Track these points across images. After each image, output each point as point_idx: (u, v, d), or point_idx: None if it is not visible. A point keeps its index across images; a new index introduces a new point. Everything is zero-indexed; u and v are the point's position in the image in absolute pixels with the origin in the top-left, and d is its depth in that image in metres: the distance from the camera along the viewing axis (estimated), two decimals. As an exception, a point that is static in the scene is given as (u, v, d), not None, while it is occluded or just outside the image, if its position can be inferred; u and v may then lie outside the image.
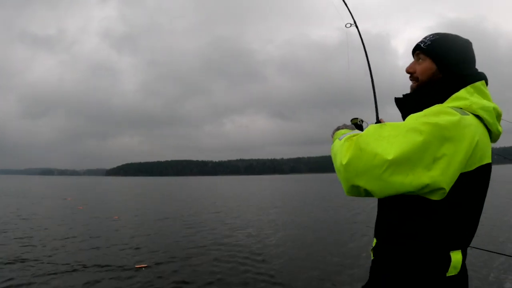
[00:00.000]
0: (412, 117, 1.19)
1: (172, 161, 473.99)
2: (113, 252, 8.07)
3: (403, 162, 1.06)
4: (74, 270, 6.49)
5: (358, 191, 1.13)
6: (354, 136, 1.23)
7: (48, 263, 6.98)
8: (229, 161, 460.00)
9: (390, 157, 1.05)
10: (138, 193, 36.40)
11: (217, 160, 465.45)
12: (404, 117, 1.46)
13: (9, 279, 5.91)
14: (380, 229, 1.42)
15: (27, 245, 8.69)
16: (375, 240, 1.44)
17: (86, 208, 18.53)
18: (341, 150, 1.18)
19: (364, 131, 1.20)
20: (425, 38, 1.46)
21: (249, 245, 8.83)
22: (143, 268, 6.64)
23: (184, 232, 10.80)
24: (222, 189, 45.49)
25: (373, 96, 2.00)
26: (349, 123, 1.69)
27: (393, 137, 1.10)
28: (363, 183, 1.09)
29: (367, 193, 1.12)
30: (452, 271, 1.22)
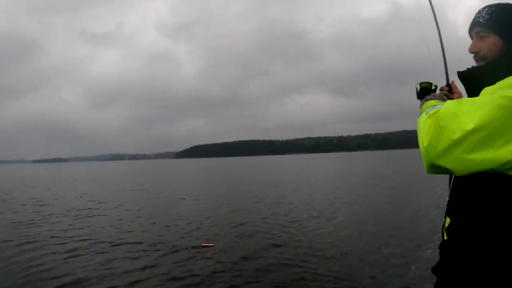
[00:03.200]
0: (487, 91, 1.19)
1: (239, 141, 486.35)
2: (181, 231, 8.47)
3: (483, 136, 1.07)
4: (142, 250, 6.92)
5: (439, 170, 1.17)
6: (435, 113, 1.22)
7: (119, 244, 7.52)
8: (296, 140, 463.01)
9: (470, 127, 1.08)
10: (207, 174, 37.81)
11: (284, 139, 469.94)
12: (468, 91, 1.46)
13: (79, 262, 6.46)
14: (454, 208, 1.38)
15: (100, 227, 9.44)
16: (448, 220, 1.40)
17: (156, 189, 19.61)
18: (423, 129, 1.20)
19: (443, 107, 1.20)
20: (479, 13, 1.44)
21: (318, 229, 8.75)
22: (210, 247, 6.88)
23: (252, 213, 11.05)
24: (292, 168, 45.56)
25: (443, 63, 1.93)
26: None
27: (472, 112, 1.10)
28: (442, 162, 1.12)
29: (448, 171, 1.16)
30: None
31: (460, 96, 1.75)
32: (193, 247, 6.95)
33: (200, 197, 15.58)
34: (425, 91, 1.69)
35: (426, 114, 1.27)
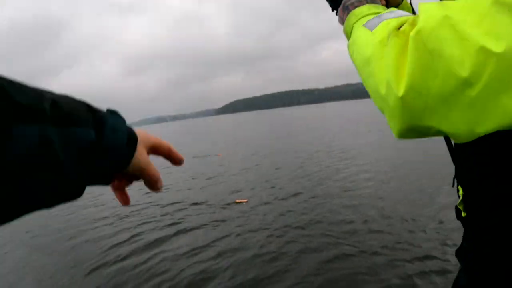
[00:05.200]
0: None
1: (278, 93, 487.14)
2: (214, 188, 8.52)
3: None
4: (178, 209, 6.99)
5: (424, 132, 0.63)
6: (403, 24, 0.64)
7: (154, 203, 7.64)
8: (336, 87, 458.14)
9: (499, 49, 0.49)
10: (245, 129, 37.83)
11: (323, 87, 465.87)
12: None
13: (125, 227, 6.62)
14: (466, 173, 0.93)
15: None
16: (461, 190, 0.97)
17: (186, 150, 19.79)
18: (383, 59, 0.64)
19: (422, 15, 0.59)
20: None
21: (358, 186, 8.54)
22: (244, 203, 6.83)
23: (291, 168, 10.95)
24: (333, 119, 44.77)
25: None
26: None
27: (478, 22, 0.52)
28: (437, 120, 0.58)
29: (438, 134, 0.62)
30: None
31: None
32: (227, 203, 6.95)
33: (235, 154, 15.58)
34: None
35: (369, 27, 0.74)
